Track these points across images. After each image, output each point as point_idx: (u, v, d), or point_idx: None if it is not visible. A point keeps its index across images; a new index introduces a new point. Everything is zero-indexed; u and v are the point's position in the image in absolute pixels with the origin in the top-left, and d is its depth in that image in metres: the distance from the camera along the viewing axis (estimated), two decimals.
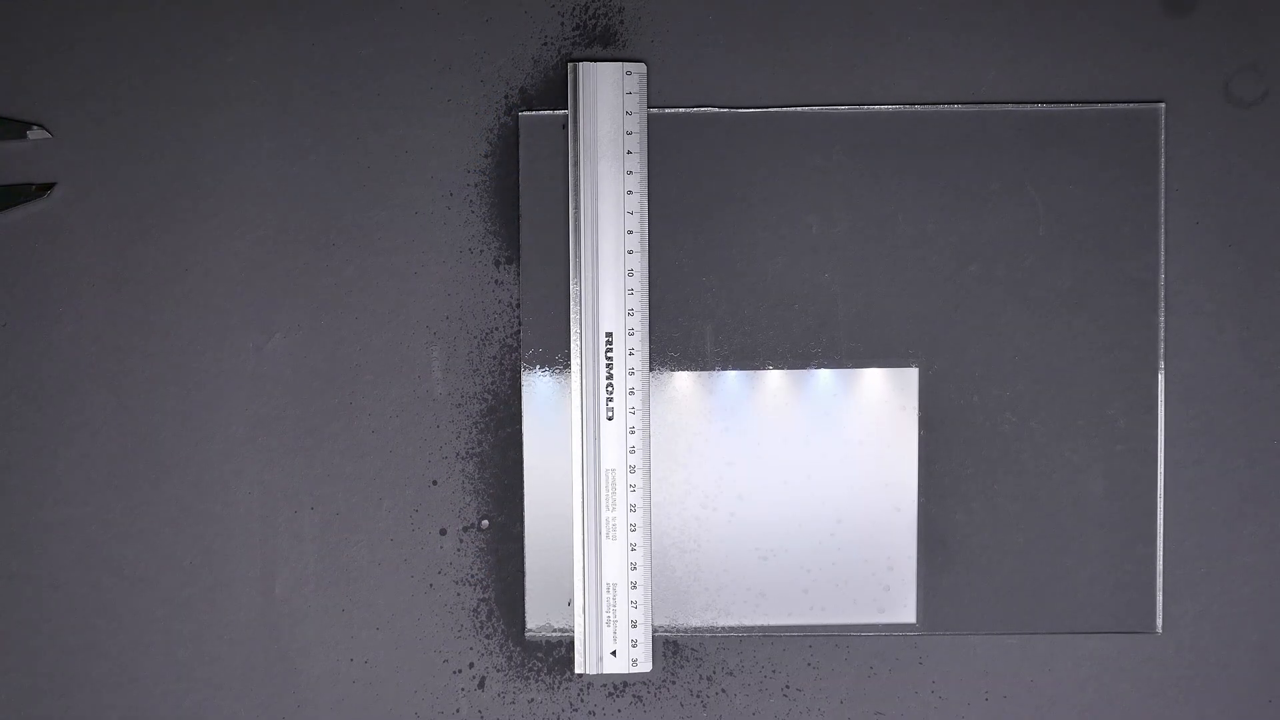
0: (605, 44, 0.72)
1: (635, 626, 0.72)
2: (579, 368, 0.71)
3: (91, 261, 0.72)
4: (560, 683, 0.73)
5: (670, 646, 0.73)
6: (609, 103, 0.71)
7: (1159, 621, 0.73)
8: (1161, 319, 0.72)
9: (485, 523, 0.72)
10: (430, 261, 0.72)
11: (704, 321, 0.72)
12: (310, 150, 0.72)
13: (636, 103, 0.71)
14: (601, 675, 0.73)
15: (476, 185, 0.72)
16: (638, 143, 0.71)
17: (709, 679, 0.73)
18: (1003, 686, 0.73)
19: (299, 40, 0.71)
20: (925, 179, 0.72)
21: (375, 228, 0.72)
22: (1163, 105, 0.72)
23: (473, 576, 0.73)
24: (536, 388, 0.72)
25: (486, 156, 0.72)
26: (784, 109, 0.72)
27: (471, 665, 0.73)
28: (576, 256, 0.71)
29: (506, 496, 0.72)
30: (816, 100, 0.72)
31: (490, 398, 0.72)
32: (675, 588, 0.73)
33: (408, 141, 0.71)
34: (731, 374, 0.72)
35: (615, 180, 0.71)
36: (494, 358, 0.72)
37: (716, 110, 0.71)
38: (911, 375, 0.72)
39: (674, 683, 0.73)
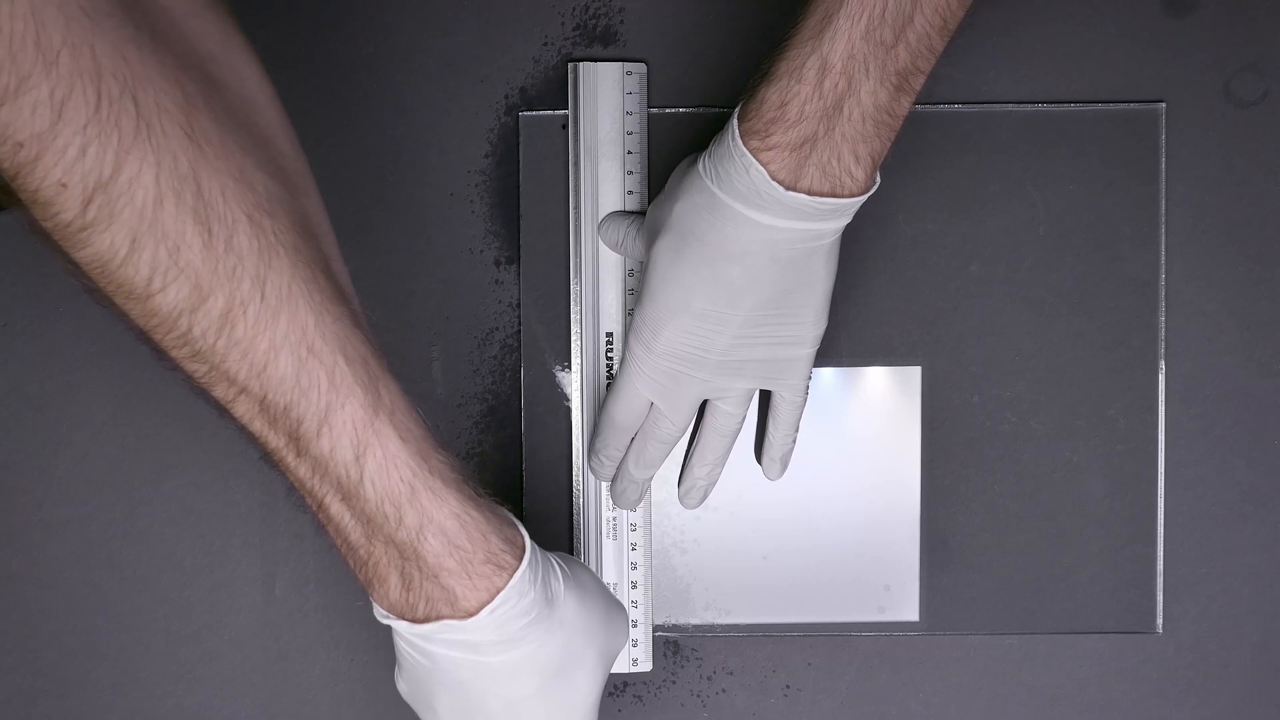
0: (605, 44, 0.72)
1: (635, 626, 0.72)
2: (579, 368, 0.71)
3: None
4: None
5: (670, 646, 0.73)
6: (609, 103, 0.71)
7: (1159, 621, 0.73)
8: (1161, 319, 0.72)
9: None
10: (430, 261, 0.72)
11: None
12: (310, 150, 0.71)
13: (636, 103, 0.71)
14: None
15: (476, 185, 0.72)
16: (638, 143, 0.71)
17: (709, 679, 0.73)
18: (1003, 686, 0.73)
19: (299, 40, 0.71)
20: (925, 179, 0.72)
21: (375, 228, 0.72)
22: (1163, 105, 0.72)
23: None
24: (536, 388, 0.72)
25: (486, 156, 0.72)
26: None
27: None
28: (576, 256, 0.71)
29: (507, 496, 0.72)
30: None
31: (490, 398, 0.72)
32: (675, 588, 0.73)
33: (408, 141, 0.71)
34: None
35: (615, 180, 0.71)
36: (494, 358, 0.72)
37: (716, 110, 0.71)
38: (914, 374, 0.72)
39: (674, 683, 0.73)
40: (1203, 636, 0.73)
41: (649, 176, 0.71)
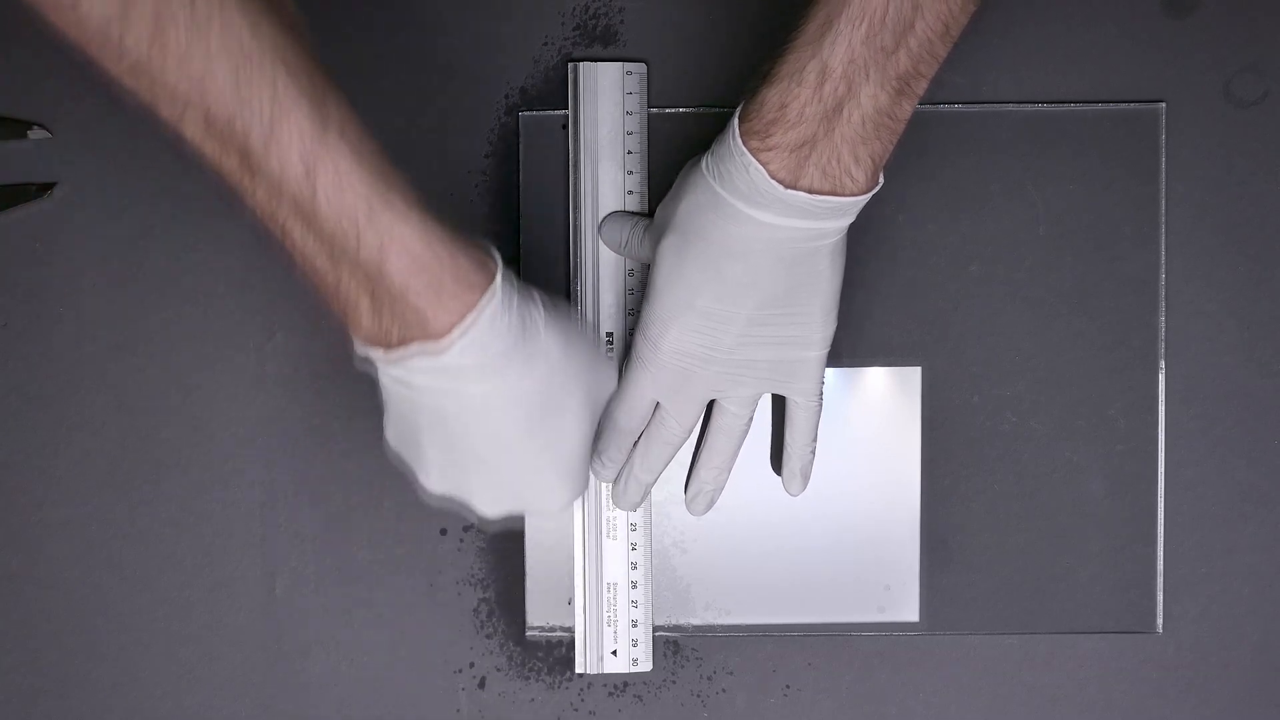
0: (605, 44, 0.72)
1: (636, 626, 0.72)
2: None
3: (91, 261, 0.72)
4: (560, 682, 0.73)
5: (670, 646, 0.73)
6: (609, 103, 0.71)
7: (1159, 621, 0.73)
8: (1162, 319, 0.72)
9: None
10: None
11: None
12: None
13: (637, 103, 0.71)
14: (602, 675, 0.73)
15: (476, 185, 0.72)
16: (638, 143, 0.71)
17: (709, 679, 0.73)
18: (1003, 686, 0.73)
19: None
20: (925, 179, 0.72)
21: None
22: (1163, 105, 0.72)
23: (473, 576, 0.73)
24: None
25: (486, 156, 0.72)
26: None
27: (472, 665, 0.73)
28: (576, 256, 0.71)
29: None
30: None
31: None
32: (675, 588, 0.73)
33: (408, 142, 0.71)
34: None
35: (615, 180, 0.71)
36: None
37: (717, 110, 0.71)
38: (914, 374, 0.72)
39: (674, 683, 0.73)
40: (1203, 636, 0.73)
41: (649, 177, 0.71)
